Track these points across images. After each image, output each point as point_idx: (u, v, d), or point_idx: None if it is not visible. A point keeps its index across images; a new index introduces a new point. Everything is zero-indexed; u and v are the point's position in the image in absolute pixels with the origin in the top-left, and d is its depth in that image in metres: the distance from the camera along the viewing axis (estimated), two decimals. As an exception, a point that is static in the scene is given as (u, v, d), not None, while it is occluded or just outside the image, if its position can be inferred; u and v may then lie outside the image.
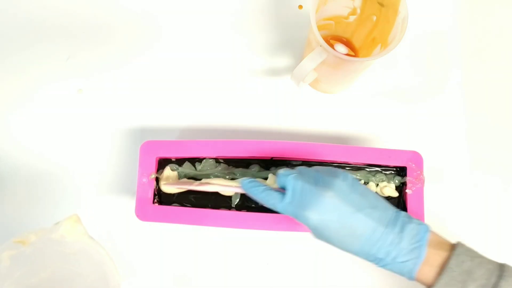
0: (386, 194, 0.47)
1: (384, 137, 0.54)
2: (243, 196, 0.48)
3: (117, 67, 0.56)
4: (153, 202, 0.47)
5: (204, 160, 0.48)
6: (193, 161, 0.49)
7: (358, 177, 0.48)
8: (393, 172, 0.48)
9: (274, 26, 0.57)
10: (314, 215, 0.36)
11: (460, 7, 0.57)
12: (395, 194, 0.47)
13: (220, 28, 0.57)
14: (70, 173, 0.53)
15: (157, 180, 0.48)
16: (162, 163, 0.49)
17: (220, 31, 0.57)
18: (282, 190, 0.40)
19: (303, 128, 0.54)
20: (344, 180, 0.37)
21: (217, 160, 0.48)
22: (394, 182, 0.48)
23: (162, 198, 0.48)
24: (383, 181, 0.48)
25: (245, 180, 0.41)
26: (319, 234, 0.37)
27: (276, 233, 0.51)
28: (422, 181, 0.47)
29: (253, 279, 0.51)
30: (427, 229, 0.37)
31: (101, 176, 0.53)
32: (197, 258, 0.51)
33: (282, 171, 0.40)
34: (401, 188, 0.48)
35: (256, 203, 0.48)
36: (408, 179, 0.47)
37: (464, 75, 0.56)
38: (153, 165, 0.48)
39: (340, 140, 0.54)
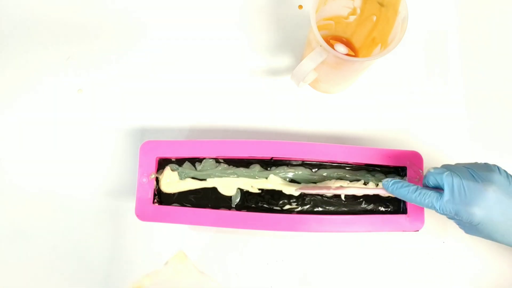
0: (386, 194, 0.47)
1: (384, 137, 0.54)
2: (243, 196, 0.48)
3: (117, 67, 0.56)
4: (153, 202, 0.47)
5: (204, 160, 0.48)
6: (193, 161, 0.49)
7: (358, 176, 0.48)
8: (393, 172, 0.48)
9: (274, 26, 0.57)
10: (479, 211, 0.36)
11: (462, 7, 0.57)
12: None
13: (220, 28, 0.57)
14: (70, 173, 0.53)
15: (157, 180, 0.48)
16: (162, 163, 0.49)
17: (220, 32, 0.57)
18: (432, 189, 0.40)
19: (303, 128, 0.54)
20: (501, 174, 0.38)
21: (217, 160, 0.48)
22: (394, 182, 0.48)
23: (162, 198, 0.48)
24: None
25: (389, 181, 0.42)
26: (482, 229, 0.37)
27: (276, 233, 0.51)
28: (422, 181, 0.47)
29: (253, 279, 0.51)
30: None
31: (101, 176, 0.53)
32: (197, 258, 0.51)
33: (433, 169, 0.40)
34: (401, 188, 0.48)
35: (256, 203, 0.48)
36: (408, 179, 0.47)
37: (464, 75, 0.56)
38: (153, 165, 0.48)
39: (340, 140, 0.54)
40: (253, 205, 0.48)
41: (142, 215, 0.47)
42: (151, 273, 0.41)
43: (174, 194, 0.48)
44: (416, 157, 0.47)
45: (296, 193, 0.48)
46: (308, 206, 0.48)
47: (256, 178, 0.48)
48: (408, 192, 0.40)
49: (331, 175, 0.48)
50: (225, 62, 0.56)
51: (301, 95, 0.55)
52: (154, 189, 0.48)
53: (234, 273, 0.51)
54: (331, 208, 0.48)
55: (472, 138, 0.54)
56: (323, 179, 0.48)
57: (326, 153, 0.47)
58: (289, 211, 0.48)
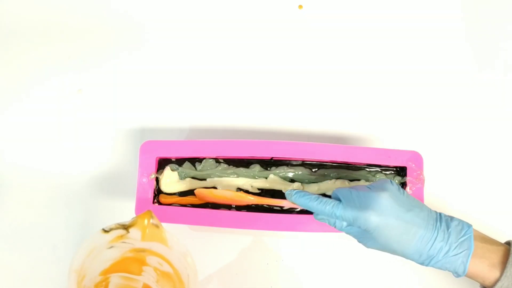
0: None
1: (384, 137, 0.54)
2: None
3: (117, 67, 0.56)
4: (153, 202, 0.47)
5: (204, 160, 0.48)
6: (193, 161, 0.49)
7: (358, 176, 0.48)
8: (393, 172, 0.48)
9: (274, 26, 0.57)
10: (374, 215, 0.38)
11: (465, 7, 0.57)
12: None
13: (220, 28, 0.57)
14: (70, 173, 0.53)
15: (157, 180, 0.48)
16: (162, 163, 0.49)
17: (220, 32, 0.57)
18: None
19: (303, 128, 0.54)
20: (392, 184, 0.40)
21: (217, 160, 0.48)
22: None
23: (162, 198, 0.48)
24: (383, 181, 0.48)
25: (291, 191, 0.43)
26: (379, 235, 0.39)
27: (276, 233, 0.51)
28: (422, 181, 0.47)
29: (253, 279, 0.51)
30: (469, 225, 0.40)
31: (101, 176, 0.53)
32: (196, 258, 0.51)
33: (336, 189, 0.42)
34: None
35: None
36: (408, 179, 0.47)
37: (465, 75, 0.56)
38: (153, 165, 0.47)
39: (340, 140, 0.54)
40: (253, 205, 0.48)
41: (142, 215, 0.47)
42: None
43: (174, 194, 0.48)
44: (416, 157, 0.47)
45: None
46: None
47: (256, 178, 0.48)
48: (309, 201, 0.41)
49: (331, 175, 0.48)
50: (225, 63, 0.56)
51: (301, 95, 0.55)
52: (154, 189, 0.48)
53: (234, 273, 0.51)
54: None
55: (472, 138, 0.54)
56: (323, 179, 0.48)
57: (326, 153, 0.47)
58: (289, 211, 0.48)
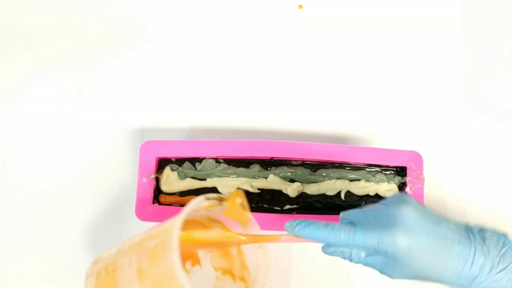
0: (387, 195, 0.48)
1: (384, 137, 0.54)
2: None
3: (117, 67, 0.56)
4: (153, 202, 0.47)
5: (204, 160, 0.48)
6: (193, 161, 0.49)
7: (358, 176, 0.48)
8: (393, 172, 0.48)
9: (274, 26, 0.57)
10: (403, 235, 0.31)
11: (465, 7, 0.57)
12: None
13: (220, 28, 0.57)
14: (70, 173, 0.53)
15: (157, 180, 0.48)
16: (162, 163, 0.49)
17: (220, 31, 0.57)
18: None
19: (303, 128, 0.54)
20: (411, 199, 0.34)
21: (217, 160, 0.48)
22: (394, 182, 0.48)
23: (162, 198, 0.48)
24: (383, 181, 0.48)
25: (292, 222, 0.36)
26: (410, 260, 0.32)
27: (276, 233, 0.51)
28: (422, 181, 0.47)
29: (253, 279, 0.51)
30: (504, 233, 0.34)
31: (101, 176, 0.53)
32: (197, 258, 0.52)
33: (343, 214, 0.36)
34: (401, 188, 0.48)
35: (256, 203, 0.48)
36: (408, 179, 0.47)
37: (465, 76, 0.56)
38: (153, 165, 0.48)
39: (340, 140, 0.54)
40: (253, 205, 0.48)
41: (142, 215, 0.47)
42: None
43: (174, 194, 0.48)
44: (416, 157, 0.47)
45: (293, 194, 0.48)
46: (308, 206, 0.48)
47: (256, 178, 0.48)
48: (318, 231, 0.34)
49: (331, 175, 0.48)
50: (225, 62, 0.56)
51: (301, 95, 0.55)
52: (154, 189, 0.48)
53: (234, 273, 0.51)
54: (331, 208, 0.48)
55: (472, 138, 0.54)
56: (323, 179, 0.48)
57: (326, 153, 0.47)
58: (289, 211, 0.48)
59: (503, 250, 0.32)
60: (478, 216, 0.52)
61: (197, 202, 0.37)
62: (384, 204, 0.34)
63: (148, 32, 0.56)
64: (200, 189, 0.48)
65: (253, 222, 0.41)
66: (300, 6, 0.57)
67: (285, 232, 0.37)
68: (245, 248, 0.43)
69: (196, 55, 0.56)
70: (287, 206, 0.48)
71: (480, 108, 0.55)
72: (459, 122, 0.54)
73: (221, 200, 0.39)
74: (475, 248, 0.32)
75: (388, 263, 0.33)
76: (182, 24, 0.57)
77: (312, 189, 0.48)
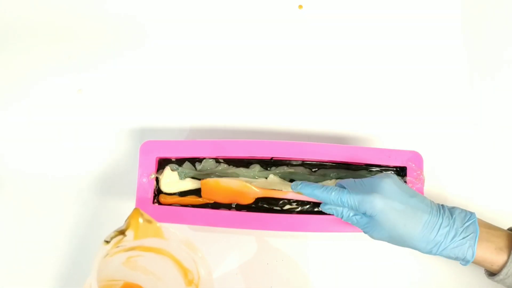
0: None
1: (384, 137, 0.54)
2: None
3: (117, 67, 0.56)
4: (153, 202, 0.47)
5: (204, 160, 0.48)
6: (193, 161, 0.49)
7: (357, 177, 0.48)
8: (393, 172, 0.48)
9: (274, 26, 0.57)
10: (379, 198, 0.39)
11: (465, 8, 0.57)
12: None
13: (220, 28, 0.57)
14: (70, 173, 0.53)
15: (157, 180, 0.48)
16: (162, 163, 0.49)
17: (219, 31, 0.57)
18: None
19: (303, 128, 0.54)
20: (392, 175, 0.41)
21: (217, 160, 0.48)
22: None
23: (161, 198, 0.48)
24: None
25: (297, 182, 0.44)
26: (385, 220, 0.39)
27: (276, 233, 0.51)
28: (422, 181, 0.47)
29: (253, 279, 0.51)
30: (472, 212, 0.40)
31: (101, 176, 0.53)
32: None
33: (339, 180, 0.44)
34: (401, 188, 0.48)
35: (256, 203, 0.48)
36: (408, 179, 0.47)
37: (465, 76, 0.56)
38: (153, 165, 0.48)
39: (340, 140, 0.54)
40: (253, 205, 0.48)
41: (142, 215, 0.47)
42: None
43: (174, 194, 0.48)
44: (416, 157, 0.47)
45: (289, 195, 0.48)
46: (308, 206, 0.48)
47: (256, 178, 0.48)
48: (314, 189, 0.42)
49: (331, 175, 0.48)
50: (225, 62, 0.56)
51: (301, 95, 0.55)
52: (154, 189, 0.48)
53: (234, 273, 0.51)
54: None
55: (472, 138, 0.54)
56: (323, 179, 0.48)
57: (326, 153, 0.47)
58: (289, 211, 0.48)
59: (468, 223, 0.39)
60: (478, 215, 0.52)
61: (100, 253, 0.39)
62: (370, 177, 0.42)
63: (148, 32, 0.56)
64: (200, 189, 0.48)
65: (169, 230, 0.41)
66: (300, 6, 0.57)
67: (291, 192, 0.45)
68: (173, 249, 0.43)
69: (196, 55, 0.56)
70: (287, 206, 0.48)
71: (480, 108, 0.55)
72: (459, 122, 0.54)
73: (122, 232, 0.40)
74: (442, 219, 0.39)
75: (368, 224, 0.41)
76: (182, 24, 0.57)
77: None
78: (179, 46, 0.56)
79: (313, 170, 0.48)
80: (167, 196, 0.48)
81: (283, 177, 0.48)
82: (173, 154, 0.48)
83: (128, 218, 0.40)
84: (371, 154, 0.47)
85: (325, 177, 0.48)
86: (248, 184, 0.47)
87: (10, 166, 0.53)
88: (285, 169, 0.48)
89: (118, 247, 0.41)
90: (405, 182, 0.47)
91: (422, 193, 0.47)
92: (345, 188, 0.42)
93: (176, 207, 0.47)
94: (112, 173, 0.53)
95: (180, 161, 0.49)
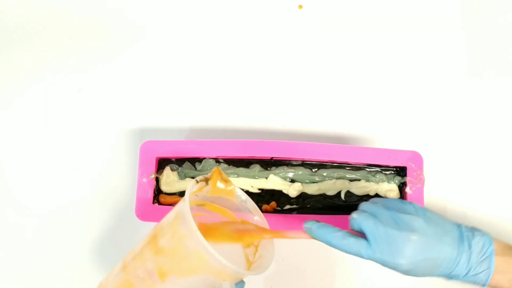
0: (387, 195, 0.47)
1: (384, 137, 0.54)
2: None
3: (117, 67, 0.56)
4: (153, 202, 0.47)
5: (204, 160, 0.48)
6: (193, 161, 0.49)
7: (358, 176, 0.48)
8: (393, 172, 0.48)
9: (274, 26, 0.57)
10: (405, 262, 0.37)
11: (465, 8, 0.57)
12: (395, 194, 0.47)
13: (220, 28, 0.57)
14: (69, 173, 0.53)
15: (157, 180, 0.48)
16: (162, 163, 0.49)
17: (218, 29, 0.57)
18: (359, 233, 0.39)
19: (303, 128, 0.54)
20: (418, 215, 0.38)
21: (217, 160, 0.48)
22: (394, 182, 0.48)
23: (161, 198, 0.48)
24: (383, 181, 0.48)
25: (312, 224, 0.39)
26: (408, 274, 0.38)
27: (276, 233, 0.51)
28: (422, 181, 0.47)
29: (253, 279, 0.51)
30: (490, 240, 0.39)
31: (101, 176, 0.53)
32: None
33: (355, 215, 0.39)
34: (401, 188, 0.48)
35: (256, 203, 0.47)
36: (408, 179, 0.47)
37: (465, 76, 0.56)
38: (153, 165, 0.48)
39: (340, 140, 0.54)
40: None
41: (142, 215, 0.47)
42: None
43: (174, 194, 0.48)
44: (416, 157, 0.47)
45: (294, 194, 0.48)
46: (308, 206, 0.48)
47: (256, 178, 0.48)
48: (332, 238, 0.38)
49: (331, 175, 0.48)
50: (224, 62, 0.56)
51: (301, 95, 0.55)
52: (154, 189, 0.48)
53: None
54: (331, 208, 0.48)
55: (472, 138, 0.54)
56: (323, 179, 0.48)
57: (326, 153, 0.47)
58: (289, 211, 0.48)
59: (483, 258, 0.38)
60: (478, 215, 0.52)
61: (191, 187, 0.38)
62: (394, 219, 0.38)
63: (148, 33, 0.56)
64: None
65: (240, 193, 0.42)
66: (300, 6, 0.57)
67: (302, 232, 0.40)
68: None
69: (196, 55, 0.56)
70: (287, 206, 0.48)
71: (480, 108, 0.55)
72: (459, 122, 0.54)
73: (207, 180, 0.40)
74: (461, 257, 0.38)
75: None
76: (182, 24, 0.57)
77: (312, 189, 0.48)
78: (179, 46, 0.56)
79: (313, 170, 0.48)
80: (167, 196, 0.48)
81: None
82: (173, 154, 0.48)
83: (211, 172, 0.40)
84: (371, 154, 0.47)
85: (325, 177, 0.48)
86: (253, 230, 0.42)
87: (10, 166, 0.53)
88: (285, 169, 0.48)
89: (196, 195, 0.41)
90: (405, 182, 0.47)
91: (422, 194, 0.47)
92: (365, 238, 0.38)
93: (176, 207, 0.47)
94: (112, 173, 0.53)
95: (180, 161, 0.49)
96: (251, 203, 0.43)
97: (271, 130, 0.54)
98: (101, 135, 0.54)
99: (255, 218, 0.43)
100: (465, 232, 0.39)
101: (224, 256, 0.35)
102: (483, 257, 0.38)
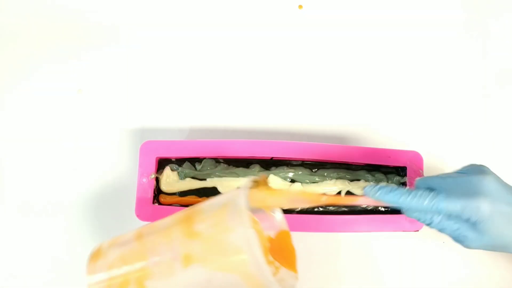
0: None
1: (384, 137, 0.54)
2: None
3: (117, 67, 0.56)
4: (153, 202, 0.47)
5: (204, 160, 0.48)
6: (193, 161, 0.49)
7: (358, 176, 0.48)
8: (393, 172, 0.48)
9: (274, 26, 0.57)
10: (487, 202, 0.33)
11: (465, 8, 0.57)
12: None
13: (220, 28, 0.57)
14: (69, 173, 0.53)
15: (157, 180, 0.48)
16: (162, 163, 0.49)
17: (218, 29, 0.57)
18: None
19: (303, 128, 0.54)
20: (489, 170, 0.35)
21: (217, 160, 0.48)
22: (394, 182, 0.48)
23: (161, 198, 0.48)
24: (383, 181, 0.48)
25: (373, 186, 0.36)
26: (492, 227, 0.33)
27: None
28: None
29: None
30: None
31: (101, 176, 0.53)
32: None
33: (418, 179, 0.36)
34: (401, 188, 0.48)
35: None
36: (408, 179, 0.47)
37: (465, 76, 0.56)
38: (153, 165, 0.48)
39: (340, 140, 0.54)
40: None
41: (142, 215, 0.47)
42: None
43: (174, 194, 0.48)
44: (416, 157, 0.47)
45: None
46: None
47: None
48: (400, 196, 0.34)
49: (331, 175, 0.48)
50: (224, 62, 0.56)
51: (301, 95, 0.55)
52: (154, 189, 0.48)
53: (234, 273, 0.51)
54: (331, 208, 0.48)
55: (472, 138, 0.54)
56: (323, 179, 0.48)
57: (326, 153, 0.47)
58: (290, 211, 0.48)
59: None
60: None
61: (247, 182, 0.36)
62: (463, 173, 0.35)
63: (149, 33, 0.56)
64: (200, 189, 0.48)
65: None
66: (300, 6, 0.57)
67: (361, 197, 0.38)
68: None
69: (197, 55, 0.56)
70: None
71: (480, 108, 0.55)
72: (460, 122, 0.54)
73: (256, 183, 0.37)
74: None
75: (467, 230, 0.34)
76: (183, 23, 0.57)
77: (312, 189, 0.48)
78: (179, 46, 0.56)
79: (313, 170, 0.49)
80: (167, 196, 0.48)
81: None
82: (173, 154, 0.48)
83: (256, 179, 0.37)
84: (371, 154, 0.47)
85: (325, 177, 0.48)
86: (312, 194, 0.42)
87: (10, 166, 0.53)
88: (285, 169, 0.48)
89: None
90: (405, 182, 0.47)
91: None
92: (435, 190, 0.34)
93: (176, 207, 0.47)
94: (112, 173, 0.53)
95: (180, 161, 0.49)
96: (279, 216, 0.40)
97: (271, 130, 0.54)
98: (101, 135, 0.54)
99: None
100: None
101: None
102: None
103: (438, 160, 0.53)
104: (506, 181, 0.52)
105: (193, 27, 0.57)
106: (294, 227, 0.46)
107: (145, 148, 0.48)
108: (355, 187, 0.48)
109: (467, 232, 0.34)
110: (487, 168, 0.35)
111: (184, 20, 0.57)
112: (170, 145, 0.48)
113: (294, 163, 0.49)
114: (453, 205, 0.33)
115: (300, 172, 0.48)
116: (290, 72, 0.56)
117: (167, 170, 0.48)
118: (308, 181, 0.48)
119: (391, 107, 0.55)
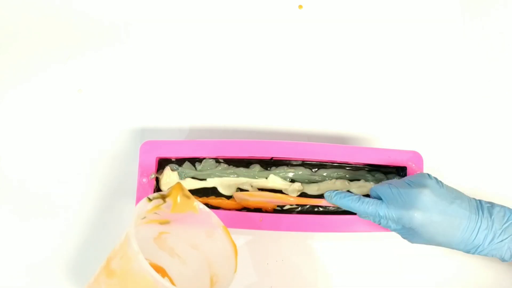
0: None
1: (384, 137, 0.54)
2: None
3: (117, 67, 0.56)
4: (153, 202, 0.47)
5: (204, 160, 0.48)
6: (193, 161, 0.49)
7: (357, 176, 0.48)
8: (393, 172, 0.48)
9: (274, 26, 0.57)
10: (418, 213, 0.39)
11: (465, 8, 0.57)
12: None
13: (220, 28, 0.57)
14: (69, 173, 0.53)
15: (157, 180, 0.48)
16: (162, 163, 0.49)
17: (219, 31, 0.57)
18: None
19: (303, 128, 0.54)
20: (431, 178, 0.41)
21: (217, 160, 0.49)
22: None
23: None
24: (383, 181, 0.48)
25: (331, 192, 0.43)
26: (424, 232, 0.39)
27: (276, 233, 0.51)
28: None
29: (253, 279, 0.51)
30: (510, 210, 0.40)
31: (101, 176, 0.53)
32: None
33: (373, 186, 0.43)
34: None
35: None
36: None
37: (464, 76, 0.56)
38: (153, 165, 0.48)
39: (340, 140, 0.54)
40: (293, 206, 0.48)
41: (142, 215, 0.47)
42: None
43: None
44: (416, 157, 0.47)
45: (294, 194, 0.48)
46: (308, 206, 0.48)
47: (256, 178, 0.48)
48: (351, 202, 0.42)
49: (331, 175, 0.48)
50: (224, 61, 0.56)
51: (301, 95, 0.55)
52: (154, 189, 0.48)
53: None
54: (331, 208, 0.48)
55: (472, 138, 0.54)
56: (323, 179, 0.48)
57: (326, 153, 0.47)
58: (289, 211, 0.48)
59: (506, 224, 0.39)
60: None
61: (141, 206, 0.38)
62: (407, 183, 0.41)
63: (149, 33, 0.57)
64: (200, 189, 0.48)
65: (203, 209, 0.42)
66: (300, 6, 0.57)
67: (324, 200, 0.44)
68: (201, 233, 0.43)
69: (196, 55, 0.56)
70: (287, 206, 0.48)
71: (481, 108, 0.55)
72: (460, 122, 0.54)
73: (163, 197, 0.40)
74: (481, 222, 0.39)
75: (407, 232, 0.41)
76: (182, 23, 0.57)
77: (312, 189, 0.48)
78: (179, 46, 0.56)
79: (313, 170, 0.49)
80: (167, 196, 0.48)
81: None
82: (173, 154, 0.48)
83: (170, 188, 0.40)
84: (371, 154, 0.47)
85: (325, 177, 0.48)
86: (281, 195, 0.46)
87: (9, 166, 0.53)
88: (285, 169, 0.48)
89: (155, 213, 0.40)
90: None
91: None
92: (381, 199, 0.41)
93: (176, 207, 0.47)
94: (112, 173, 0.53)
95: (180, 161, 0.49)
96: (215, 218, 0.42)
97: (271, 130, 0.54)
98: (101, 135, 0.54)
99: (220, 231, 0.42)
100: (485, 204, 0.40)
101: (188, 277, 0.34)
102: (506, 224, 0.39)
103: (438, 160, 0.53)
104: (506, 181, 0.52)
105: (193, 27, 0.57)
106: (294, 227, 0.46)
107: (145, 148, 0.48)
108: (355, 187, 0.48)
109: (407, 234, 0.42)
110: (431, 179, 0.41)
111: (184, 20, 0.57)
112: (170, 145, 0.48)
113: (294, 163, 0.49)
114: (391, 213, 0.40)
115: (300, 172, 0.48)
116: (290, 72, 0.56)
117: (167, 170, 0.48)
118: (308, 181, 0.48)
119: (391, 107, 0.55)
